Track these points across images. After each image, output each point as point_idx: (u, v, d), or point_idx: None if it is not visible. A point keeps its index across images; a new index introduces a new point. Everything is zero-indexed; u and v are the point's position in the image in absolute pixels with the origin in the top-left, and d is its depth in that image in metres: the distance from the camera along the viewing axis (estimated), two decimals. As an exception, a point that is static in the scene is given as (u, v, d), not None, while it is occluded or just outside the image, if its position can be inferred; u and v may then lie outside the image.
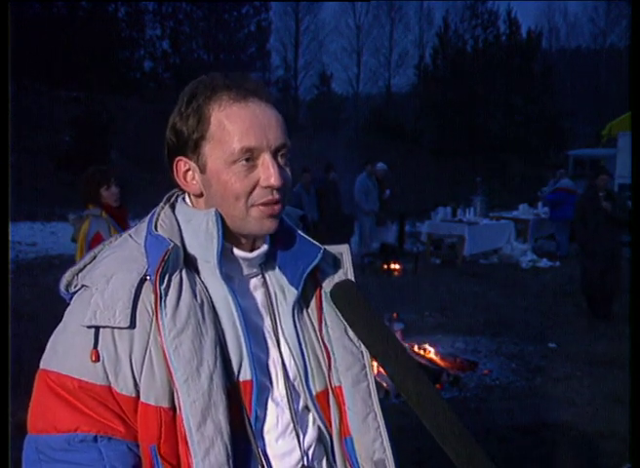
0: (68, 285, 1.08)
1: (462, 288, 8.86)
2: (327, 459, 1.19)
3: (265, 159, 1.05)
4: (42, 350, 1.05)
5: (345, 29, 37.94)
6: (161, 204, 1.14)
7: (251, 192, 1.05)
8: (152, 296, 1.00)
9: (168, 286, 1.00)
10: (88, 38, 22.67)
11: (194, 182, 1.09)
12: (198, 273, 1.07)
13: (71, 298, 1.07)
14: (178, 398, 0.99)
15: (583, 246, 7.32)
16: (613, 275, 6.96)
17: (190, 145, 1.07)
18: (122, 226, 3.85)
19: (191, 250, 1.07)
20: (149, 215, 1.13)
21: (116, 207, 4.02)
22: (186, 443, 0.99)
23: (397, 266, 9.91)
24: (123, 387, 1.00)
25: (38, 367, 1.04)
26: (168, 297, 1.00)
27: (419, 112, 31.85)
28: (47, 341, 1.06)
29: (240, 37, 30.89)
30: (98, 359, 0.98)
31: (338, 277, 1.19)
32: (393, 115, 32.73)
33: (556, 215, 11.82)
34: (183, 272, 1.03)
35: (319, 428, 1.16)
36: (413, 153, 27.26)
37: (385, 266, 9.83)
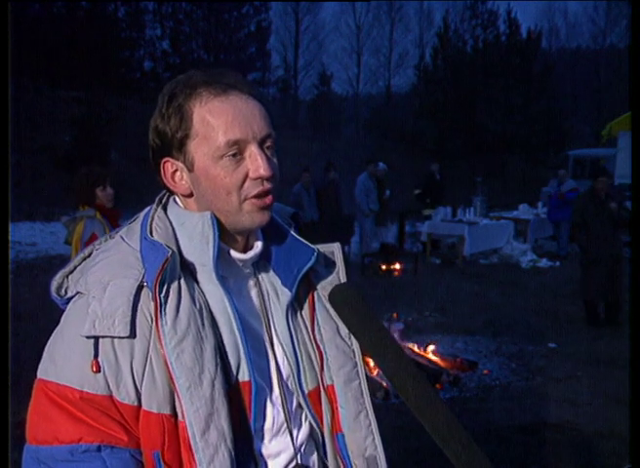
0: (59, 288, 1.07)
1: (462, 288, 8.86)
2: (317, 454, 1.20)
3: (252, 150, 1.04)
4: (42, 350, 1.05)
5: (345, 29, 38.09)
6: (153, 206, 1.13)
7: (241, 185, 1.05)
8: (151, 304, 0.99)
9: (167, 293, 1.00)
10: (88, 38, 22.67)
11: (183, 182, 1.08)
12: (194, 277, 1.06)
13: (64, 304, 1.06)
14: (180, 405, 0.99)
15: (586, 251, 6.99)
16: (617, 281, 6.80)
17: (175, 145, 1.06)
18: (115, 228, 3.80)
19: (186, 253, 1.06)
20: (142, 217, 1.11)
21: (110, 208, 3.98)
22: (190, 449, 0.99)
23: (397, 266, 9.90)
24: (125, 396, 0.99)
25: (37, 369, 1.04)
26: (167, 305, 0.99)
27: (418, 112, 31.82)
28: (47, 341, 1.05)
29: (240, 37, 30.89)
30: (98, 369, 0.97)
31: (330, 277, 1.18)
32: (393, 115, 32.73)
33: (555, 216, 11.77)
34: (181, 278, 1.02)
35: (311, 425, 1.17)
36: (413, 153, 27.27)
37: (385, 266, 9.83)
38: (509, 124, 30.18)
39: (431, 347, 5.59)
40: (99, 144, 17.51)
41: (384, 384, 4.65)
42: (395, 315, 6.56)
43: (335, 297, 1.15)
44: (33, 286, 7.78)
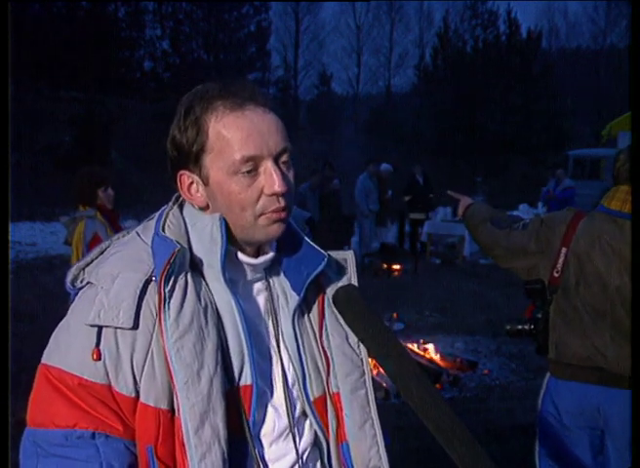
0: (74, 279, 1.08)
1: (462, 287, 8.85)
2: (321, 462, 1.19)
3: (267, 166, 1.04)
4: (42, 350, 1.05)
5: (345, 29, 37.99)
6: (170, 204, 1.14)
7: (256, 201, 1.05)
8: (157, 298, 1.00)
9: (172, 288, 1.00)
10: (88, 38, 22.67)
11: (199, 195, 1.09)
12: (203, 276, 1.06)
13: (76, 294, 1.07)
14: (177, 401, 0.99)
15: None
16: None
17: (191, 158, 1.06)
18: (115, 228, 3.80)
19: (197, 253, 1.07)
20: (157, 214, 1.13)
21: (110, 209, 3.98)
22: (183, 446, 0.99)
23: (397, 266, 9.90)
24: (123, 387, 1.00)
25: (37, 368, 1.04)
26: (172, 300, 1.00)
27: (419, 112, 31.84)
28: (47, 341, 1.06)
29: (240, 37, 30.88)
30: (99, 358, 0.99)
31: (341, 284, 1.18)
32: (393, 115, 32.73)
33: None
34: (189, 275, 1.03)
35: (315, 433, 1.16)
36: (413, 153, 27.27)
37: (385, 266, 9.83)
38: (509, 124, 30.20)
39: (431, 347, 5.59)
40: (99, 144, 17.52)
41: (384, 384, 4.65)
42: (395, 315, 6.56)
43: (337, 299, 1.15)
44: (33, 286, 7.78)
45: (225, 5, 29.77)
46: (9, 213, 1.32)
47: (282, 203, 1.06)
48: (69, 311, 1.06)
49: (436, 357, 5.46)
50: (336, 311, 1.16)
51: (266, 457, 1.11)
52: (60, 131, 18.32)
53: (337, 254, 1.22)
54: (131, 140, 18.96)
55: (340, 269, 1.21)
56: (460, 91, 30.13)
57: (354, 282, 1.20)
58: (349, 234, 10.84)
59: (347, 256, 1.23)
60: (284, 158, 1.07)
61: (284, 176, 1.05)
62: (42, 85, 20.36)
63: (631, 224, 2.04)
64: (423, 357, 5.37)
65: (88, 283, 1.05)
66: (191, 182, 1.08)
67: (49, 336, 1.06)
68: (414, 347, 5.53)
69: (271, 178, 1.04)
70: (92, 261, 1.09)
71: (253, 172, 1.04)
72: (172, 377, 0.99)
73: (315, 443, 1.18)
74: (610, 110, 26.55)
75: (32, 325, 5.59)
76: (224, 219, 1.06)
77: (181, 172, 1.08)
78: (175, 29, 29.42)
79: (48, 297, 6.46)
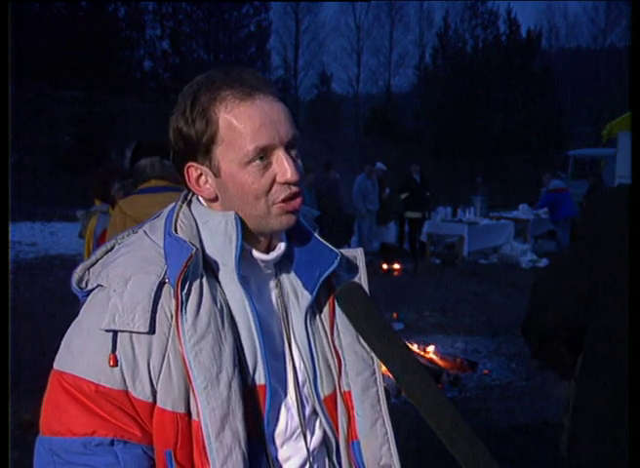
0: (80, 280, 1.06)
1: (462, 288, 8.86)
2: (329, 460, 1.18)
3: (279, 155, 1.03)
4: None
5: (345, 29, 38.05)
6: (179, 202, 1.11)
7: (269, 190, 1.03)
8: (172, 301, 0.98)
9: (189, 291, 0.99)
10: (88, 38, 22.69)
11: (208, 187, 1.06)
12: (216, 276, 1.05)
13: (85, 296, 1.05)
14: (196, 405, 0.98)
15: None
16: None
17: (201, 150, 1.04)
18: None
19: (209, 252, 1.05)
20: (166, 214, 1.10)
21: None
22: (203, 449, 0.98)
23: (397, 266, 9.91)
24: (140, 392, 0.98)
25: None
26: (188, 303, 0.98)
27: (419, 112, 31.88)
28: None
29: (240, 37, 30.94)
30: (115, 364, 0.97)
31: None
32: (393, 115, 32.75)
33: (556, 217, 11.78)
34: (203, 277, 1.01)
35: (324, 431, 1.16)
36: (413, 153, 27.29)
37: (385, 266, 9.84)
38: (509, 124, 30.22)
39: (431, 347, 5.59)
40: (99, 144, 17.53)
41: (384, 383, 4.65)
42: (395, 315, 6.57)
43: (340, 296, 1.13)
44: (33, 286, 7.78)
45: (225, 5, 29.83)
46: (9, 213, 1.32)
47: (294, 190, 1.05)
48: (80, 315, 1.03)
49: (436, 357, 5.46)
50: (338, 306, 1.15)
51: (279, 457, 1.10)
52: (61, 131, 18.34)
53: (346, 252, 1.20)
54: (131, 140, 18.95)
55: (350, 267, 1.20)
56: (460, 91, 30.15)
57: (364, 280, 1.19)
58: (349, 234, 10.86)
59: (357, 254, 1.22)
60: (293, 146, 1.06)
61: (296, 164, 1.04)
62: (42, 85, 20.36)
63: (630, 226, 2.04)
64: (423, 357, 5.37)
65: (98, 285, 1.02)
66: (200, 174, 1.06)
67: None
68: (414, 347, 5.53)
69: (284, 167, 1.02)
70: (97, 261, 1.08)
71: (265, 160, 1.03)
72: (190, 382, 0.98)
73: (324, 441, 1.17)
74: (610, 110, 26.56)
75: (32, 325, 5.59)
76: (239, 217, 1.05)
77: (189, 164, 1.06)
78: (175, 29, 29.46)
79: (48, 297, 6.45)
